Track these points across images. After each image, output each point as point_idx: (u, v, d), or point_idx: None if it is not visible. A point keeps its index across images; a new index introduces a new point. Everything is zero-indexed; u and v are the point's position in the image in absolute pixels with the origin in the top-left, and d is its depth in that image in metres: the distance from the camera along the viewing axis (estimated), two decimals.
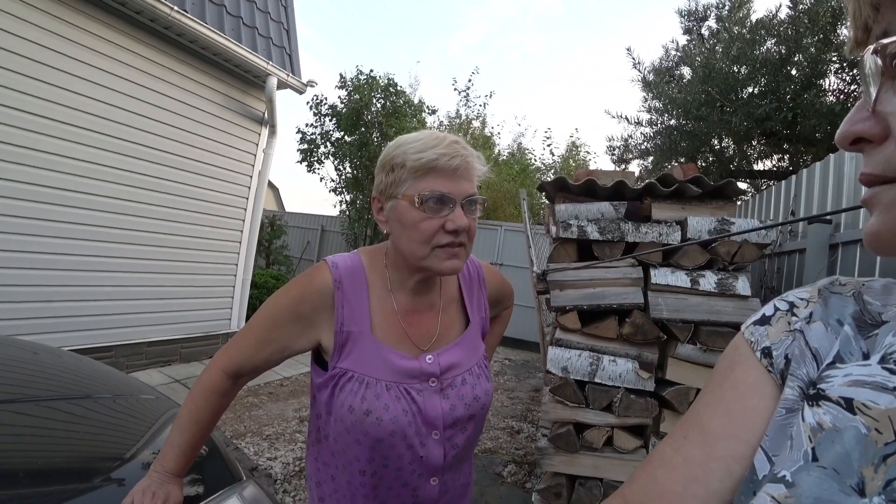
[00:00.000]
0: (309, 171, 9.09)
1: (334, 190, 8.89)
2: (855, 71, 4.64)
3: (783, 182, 3.22)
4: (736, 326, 1.87)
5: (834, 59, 4.70)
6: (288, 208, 19.76)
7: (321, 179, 11.51)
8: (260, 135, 5.11)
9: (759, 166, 6.36)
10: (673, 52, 7.21)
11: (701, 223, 2.11)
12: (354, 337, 0.82)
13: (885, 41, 0.31)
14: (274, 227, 8.92)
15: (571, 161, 13.57)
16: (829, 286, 0.42)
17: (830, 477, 0.30)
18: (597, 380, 1.94)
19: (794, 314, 0.41)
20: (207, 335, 4.85)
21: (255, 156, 5.10)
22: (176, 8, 3.80)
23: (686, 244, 2.01)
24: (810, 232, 2.53)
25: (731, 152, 6.42)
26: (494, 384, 5.38)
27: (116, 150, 3.87)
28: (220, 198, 4.79)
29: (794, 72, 4.83)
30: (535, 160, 13.85)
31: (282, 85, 5.00)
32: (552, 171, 13.51)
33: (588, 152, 14.15)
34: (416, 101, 8.81)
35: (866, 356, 0.35)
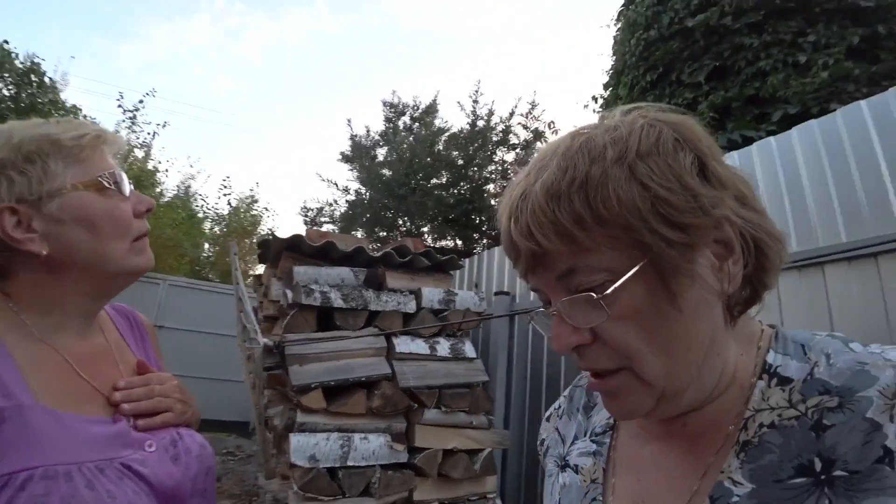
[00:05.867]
0: None
1: None
2: (504, 182, 6.29)
3: (467, 259, 3.95)
4: (468, 386, 2.07)
5: (494, 175, 6.26)
6: None
7: None
8: None
9: (442, 244, 7.70)
10: (374, 136, 8.27)
11: (433, 293, 2.31)
12: (10, 416, 0.54)
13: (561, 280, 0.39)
14: None
15: (244, 215, 13.17)
16: (575, 383, 0.59)
17: None
18: (350, 462, 1.76)
19: (556, 412, 0.59)
20: None
21: None
22: None
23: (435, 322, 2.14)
24: (495, 302, 3.14)
25: (425, 230, 7.59)
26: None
27: None
28: None
29: (470, 173, 6.18)
30: (208, 209, 13.00)
31: None
32: (223, 223, 12.95)
33: (266, 209, 13.95)
34: (67, 103, 6.96)
35: (587, 433, 0.52)
